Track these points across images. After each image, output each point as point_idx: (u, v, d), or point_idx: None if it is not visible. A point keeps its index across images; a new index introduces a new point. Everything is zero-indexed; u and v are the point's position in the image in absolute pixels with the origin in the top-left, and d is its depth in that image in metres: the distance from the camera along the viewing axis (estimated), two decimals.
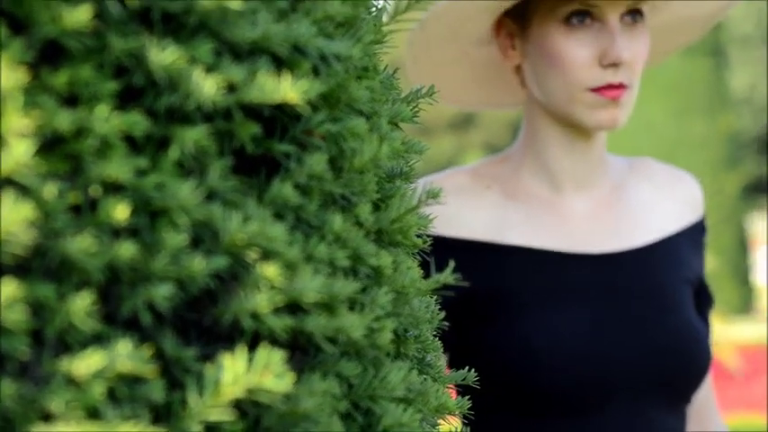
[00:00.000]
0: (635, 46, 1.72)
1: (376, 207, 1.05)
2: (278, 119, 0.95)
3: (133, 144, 0.87)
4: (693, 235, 1.86)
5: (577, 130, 1.78)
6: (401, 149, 1.05)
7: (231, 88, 0.89)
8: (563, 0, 1.70)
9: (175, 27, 0.89)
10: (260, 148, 0.94)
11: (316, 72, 0.96)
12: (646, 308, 1.75)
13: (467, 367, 1.19)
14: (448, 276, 1.07)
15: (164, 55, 0.86)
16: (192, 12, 0.89)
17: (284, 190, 0.94)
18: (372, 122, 1.02)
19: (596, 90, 1.70)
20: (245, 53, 0.92)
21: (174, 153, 0.88)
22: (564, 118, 1.75)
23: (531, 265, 1.78)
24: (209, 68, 0.89)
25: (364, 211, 1.01)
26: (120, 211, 0.84)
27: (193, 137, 0.88)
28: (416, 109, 1.12)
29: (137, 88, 0.87)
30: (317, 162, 0.96)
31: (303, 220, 0.96)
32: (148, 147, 0.88)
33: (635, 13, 1.74)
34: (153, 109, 0.88)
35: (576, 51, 1.71)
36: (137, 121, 0.86)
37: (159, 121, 0.88)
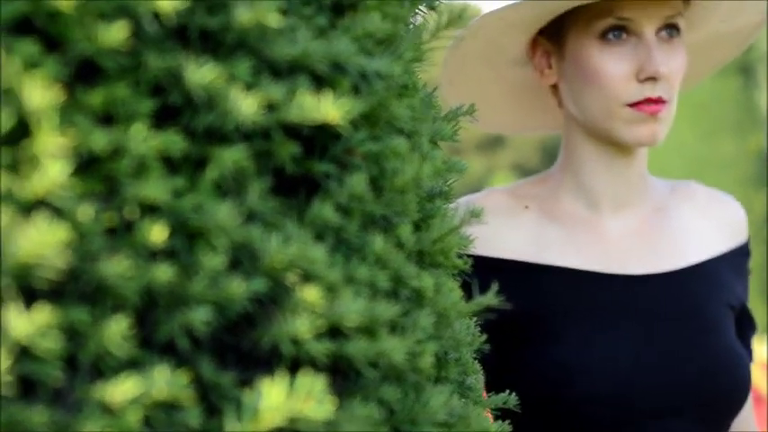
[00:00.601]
0: (672, 61, 1.70)
1: (416, 227, 1.02)
2: (317, 138, 0.93)
3: (170, 164, 0.85)
4: (735, 259, 1.83)
5: (616, 148, 1.75)
6: (442, 169, 1.03)
7: (270, 107, 0.87)
8: (598, 16, 1.68)
9: (213, 45, 0.87)
10: (299, 168, 0.92)
11: (356, 90, 0.94)
12: (684, 330, 1.72)
13: (506, 390, 1.17)
14: (491, 298, 1.04)
15: (201, 73, 0.84)
16: (229, 29, 0.86)
17: (324, 211, 0.92)
18: (413, 141, 1.00)
19: (634, 105, 1.68)
20: (285, 71, 0.90)
21: (211, 173, 0.86)
22: (602, 135, 1.72)
23: (567, 285, 1.75)
24: (248, 87, 0.86)
25: (405, 231, 0.98)
26: (157, 233, 0.81)
27: (232, 157, 0.85)
28: (456, 128, 1.10)
29: (174, 107, 0.85)
30: (358, 182, 0.93)
31: (343, 242, 0.93)
32: (185, 167, 0.85)
33: (671, 28, 1.71)
34: (190, 128, 0.85)
35: (612, 66, 1.68)
36: (174, 141, 0.83)
37: (197, 140, 0.86)
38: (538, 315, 1.74)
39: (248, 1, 0.86)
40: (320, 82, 0.92)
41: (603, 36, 1.69)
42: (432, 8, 1.10)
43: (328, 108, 0.87)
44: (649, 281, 1.76)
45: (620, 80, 1.68)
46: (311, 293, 0.87)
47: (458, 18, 1.01)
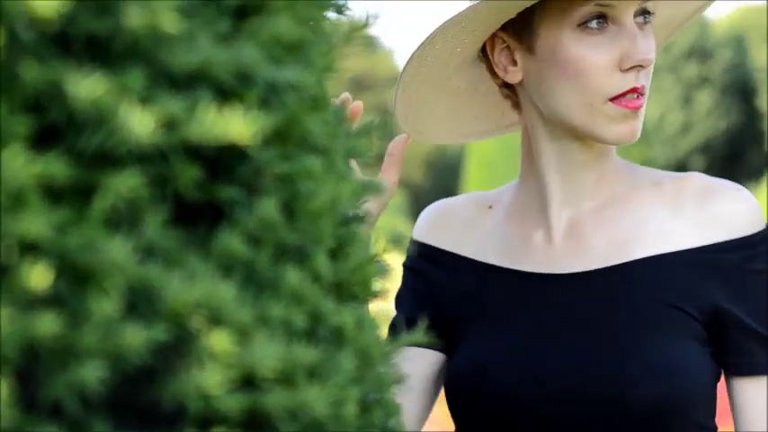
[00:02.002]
0: (652, 48, 1.60)
1: (332, 256, 0.91)
2: (221, 159, 0.81)
3: (52, 194, 0.72)
4: (711, 256, 1.63)
5: (581, 148, 1.65)
6: (359, 189, 0.91)
7: (168, 124, 0.75)
8: (576, 3, 1.57)
9: (101, 53, 0.74)
10: (202, 194, 0.80)
11: (264, 103, 0.82)
12: (595, 334, 1.60)
13: None
14: (419, 336, 0.93)
15: (87, 86, 0.71)
16: (119, 35, 0.74)
17: (231, 242, 0.80)
18: (328, 160, 0.88)
19: (616, 100, 1.57)
20: (183, 82, 0.78)
21: (101, 203, 0.73)
22: (578, 133, 1.62)
23: (499, 284, 1.69)
24: (142, 101, 0.74)
25: (322, 261, 0.87)
26: (39, 277, 0.69)
27: (125, 183, 0.73)
28: (370, 144, 0.99)
29: (55, 127, 0.73)
30: (269, 208, 0.82)
31: (254, 276, 0.82)
32: (71, 197, 0.73)
33: (646, 13, 1.61)
34: (75, 151, 0.73)
35: (594, 57, 1.57)
36: (56, 167, 0.71)
37: (83, 165, 0.73)
38: (472, 314, 1.70)
39: (140, 2, 0.73)
40: (224, 95, 0.80)
41: (583, 25, 1.57)
42: (339, 12, 0.99)
43: (235, 125, 0.75)
44: (575, 279, 1.65)
45: (604, 71, 1.56)
46: (220, 339, 0.75)
47: (370, 23, 0.90)
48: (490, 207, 1.76)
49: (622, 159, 1.72)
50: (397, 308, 1.76)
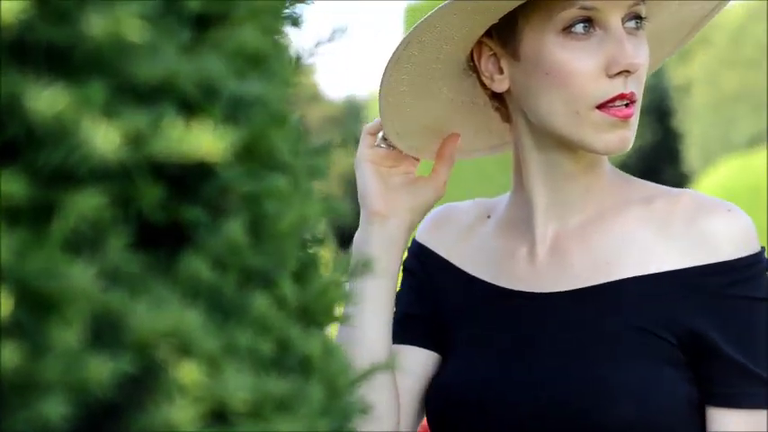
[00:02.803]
0: (642, 53, 1.54)
1: (295, 280, 0.86)
2: (185, 177, 0.76)
3: (9, 215, 0.67)
4: (695, 279, 1.53)
5: (568, 160, 1.59)
6: (324, 210, 0.87)
7: (132, 140, 0.70)
8: (560, 7, 1.51)
9: (60, 63, 0.69)
10: (165, 215, 0.75)
11: (229, 119, 0.77)
12: (547, 353, 1.56)
13: None
14: (389, 363, 0.89)
15: (47, 99, 0.66)
16: (80, 43, 0.69)
17: (196, 266, 0.75)
18: (294, 179, 0.83)
19: (604, 108, 1.52)
20: (146, 96, 0.73)
21: (62, 225, 0.68)
22: (566, 143, 1.57)
23: (478, 297, 1.65)
24: (104, 115, 0.69)
25: (287, 286, 0.82)
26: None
27: (87, 204, 0.68)
28: (329, 162, 0.94)
29: (12, 143, 0.68)
30: (236, 230, 0.77)
31: (220, 303, 0.77)
32: (29, 218, 0.68)
33: (637, 18, 1.54)
34: (34, 168, 0.68)
35: (579, 62, 1.51)
36: (13, 186, 0.66)
37: (42, 183, 0.68)
38: (456, 325, 1.67)
39: (103, 9, 0.68)
40: (188, 109, 0.75)
41: (567, 29, 1.52)
42: (295, 24, 0.94)
43: (204, 141, 0.70)
44: (553, 299, 1.60)
45: (590, 77, 1.50)
46: (189, 371, 0.70)
47: (338, 34, 0.86)
48: (488, 216, 1.71)
49: (619, 172, 1.65)
50: (396, 305, 1.70)
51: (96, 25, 0.68)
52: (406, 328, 1.68)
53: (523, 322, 1.60)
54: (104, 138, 0.67)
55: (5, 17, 0.63)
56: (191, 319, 0.71)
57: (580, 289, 1.58)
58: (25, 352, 0.65)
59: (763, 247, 1.54)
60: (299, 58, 0.88)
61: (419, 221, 1.69)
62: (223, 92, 0.76)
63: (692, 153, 27.16)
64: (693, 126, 27.21)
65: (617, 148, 1.53)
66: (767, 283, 1.53)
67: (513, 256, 1.65)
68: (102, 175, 0.70)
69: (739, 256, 1.53)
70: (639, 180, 1.64)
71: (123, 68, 0.70)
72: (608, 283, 1.56)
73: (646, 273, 1.55)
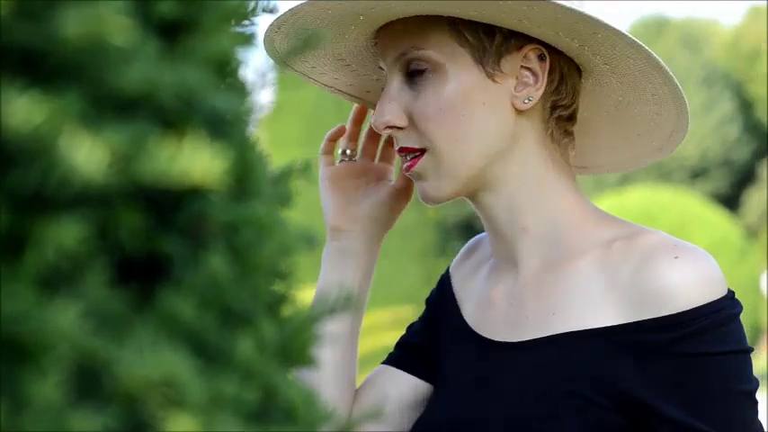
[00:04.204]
0: (391, 108, 1.47)
1: (270, 317, 0.77)
2: (160, 202, 0.67)
3: None
4: (638, 336, 1.38)
5: (476, 206, 1.53)
6: (301, 240, 0.78)
7: (117, 160, 0.60)
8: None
9: (32, 69, 0.59)
10: (143, 245, 0.65)
11: (212, 137, 0.68)
12: (505, 410, 1.45)
13: None
14: (375, 411, 0.80)
15: (21, 109, 0.56)
16: (53, 49, 0.59)
17: (178, 305, 0.65)
18: (270, 205, 0.74)
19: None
20: (124, 108, 0.63)
21: (36, 258, 0.58)
22: None
23: (454, 339, 1.58)
24: (84, 129, 0.59)
25: (267, 326, 0.73)
26: None
27: (66, 234, 0.58)
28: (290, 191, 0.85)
29: None
30: (218, 263, 0.67)
31: (203, 346, 0.67)
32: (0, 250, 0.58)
33: (409, 74, 1.47)
34: (5, 192, 0.58)
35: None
36: None
37: (14, 210, 0.58)
38: (441, 361, 1.61)
39: (82, 6, 0.59)
40: (167, 124, 0.65)
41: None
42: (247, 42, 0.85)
43: (199, 163, 0.61)
44: (503, 350, 1.50)
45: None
46: (184, 424, 0.60)
47: (312, 41, 0.77)
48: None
49: (598, 211, 1.53)
50: (406, 331, 1.69)
51: (73, 25, 0.58)
52: (403, 354, 1.64)
53: (484, 371, 1.51)
54: (88, 157, 0.57)
55: None
56: (183, 366, 0.61)
57: (527, 341, 1.48)
58: (1, 408, 0.54)
59: (727, 294, 1.40)
60: (263, 72, 0.79)
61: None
62: (203, 105, 0.67)
63: None
64: None
65: (423, 199, 1.50)
66: (731, 332, 1.38)
67: (487, 300, 1.57)
68: (80, 200, 0.60)
69: (685, 309, 1.37)
70: (617, 220, 1.52)
71: (102, 76, 0.61)
72: (547, 337, 1.46)
73: (583, 328, 1.43)
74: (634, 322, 1.39)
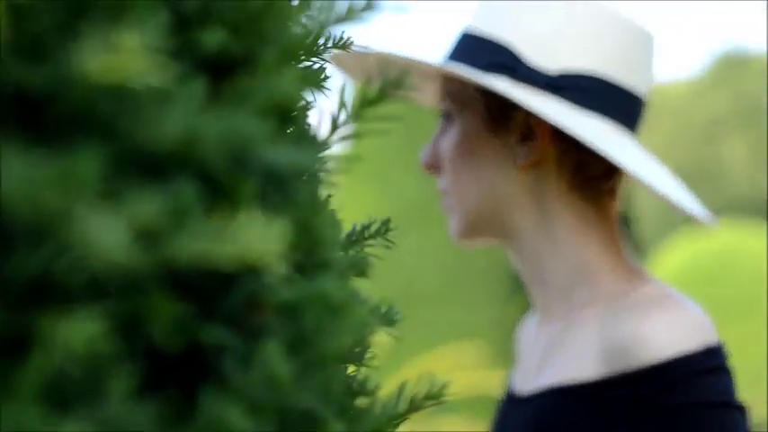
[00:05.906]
0: (427, 149, 1.51)
1: (341, 416, 0.63)
2: (199, 285, 0.53)
3: None
4: (614, 391, 1.33)
5: (509, 256, 1.51)
6: (378, 322, 0.64)
7: (145, 237, 0.47)
8: None
9: (32, 120, 0.46)
10: (177, 338, 0.52)
11: (264, 200, 0.55)
12: None
13: None
14: None
15: (17, 175, 0.43)
16: (60, 94, 0.46)
17: (225, 413, 0.52)
18: (342, 278, 0.61)
19: None
20: (155, 168, 0.50)
21: (42, 365, 0.45)
22: None
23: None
24: (103, 198, 0.46)
25: (337, 427, 0.59)
26: None
27: (81, 333, 0.45)
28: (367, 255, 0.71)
29: None
30: (275, 356, 0.54)
31: None
32: None
33: (442, 116, 1.49)
34: (2, 280, 0.45)
35: None
36: None
37: (13, 303, 0.45)
38: None
39: (98, 40, 0.46)
40: (210, 185, 0.52)
41: None
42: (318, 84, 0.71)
43: (255, 238, 0.47)
44: (513, 404, 1.49)
45: None
46: None
47: (398, 85, 0.64)
48: None
49: (626, 264, 1.46)
50: None
51: (92, 59, 0.45)
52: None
53: (500, 421, 1.51)
54: (109, 234, 0.44)
55: None
56: None
57: (526, 395, 1.45)
58: None
59: (711, 347, 1.32)
60: (335, 119, 0.65)
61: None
62: (259, 162, 0.54)
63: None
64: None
65: (453, 238, 1.52)
66: (707, 386, 1.31)
67: (522, 352, 1.56)
68: (98, 287, 0.47)
69: (665, 360, 1.30)
70: (642, 274, 1.45)
71: (128, 127, 0.47)
72: (540, 391, 1.42)
73: (568, 382, 1.38)
74: (612, 377, 1.34)
